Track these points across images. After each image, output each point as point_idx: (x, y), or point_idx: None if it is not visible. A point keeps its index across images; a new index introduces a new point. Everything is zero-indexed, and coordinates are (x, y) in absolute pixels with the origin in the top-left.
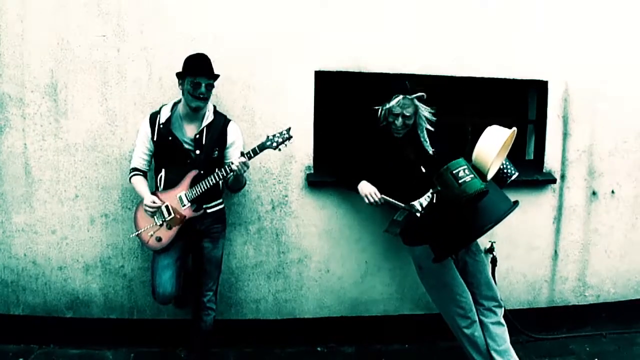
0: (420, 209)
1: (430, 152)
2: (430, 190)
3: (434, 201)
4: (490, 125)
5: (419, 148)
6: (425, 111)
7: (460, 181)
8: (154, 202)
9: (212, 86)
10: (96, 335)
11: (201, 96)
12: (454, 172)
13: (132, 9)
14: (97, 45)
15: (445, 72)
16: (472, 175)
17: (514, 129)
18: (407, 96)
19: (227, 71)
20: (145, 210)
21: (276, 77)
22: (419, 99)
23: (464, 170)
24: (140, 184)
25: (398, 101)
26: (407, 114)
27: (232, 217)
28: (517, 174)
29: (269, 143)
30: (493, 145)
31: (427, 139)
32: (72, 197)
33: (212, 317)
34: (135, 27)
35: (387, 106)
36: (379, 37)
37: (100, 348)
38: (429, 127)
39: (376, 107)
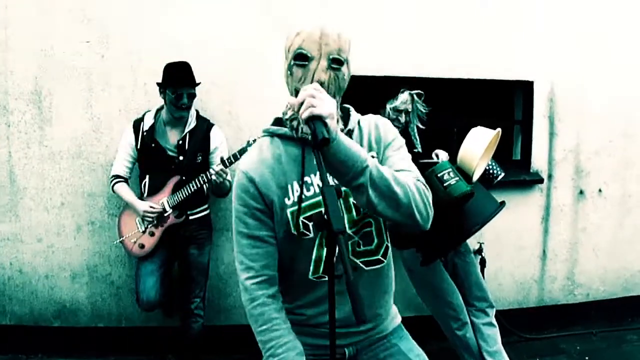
0: None
1: (418, 151)
2: None
3: None
4: (477, 126)
5: (409, 149)
6: (421, 107)
7: (445, 184)
8: (152, 207)
9: (194, 95)
10: (84, 344)
11: (184, 107)
12: (439, 175)
13: (117, 14)
14: (81, 52)
15: (433, 74)
16: (457, 178)
17: (499, 129)
18: (410, 92)
19: (213, 76)
20: (144, 217)
21: (262, 82)
22: (418, 95)
23: (448, 173)
24: (127, 192)
25: (404, 99)
26: (409, 110)
27: (219, 222)
28: (503, 174)
29: (249, 148)
30: (478, 146)
31: (417, 137)
32: (57, 205)
33: (200, 323)
34: (120, 34)
35: (394, 104)
36: (368, 40)
37: (89, 357)
38: (419, 125)
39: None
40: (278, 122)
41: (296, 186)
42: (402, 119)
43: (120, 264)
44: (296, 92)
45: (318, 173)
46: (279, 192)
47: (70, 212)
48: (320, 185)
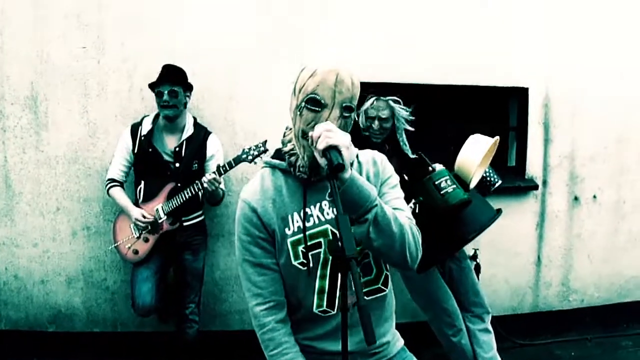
0: None
1: (411, 157)
2: (413, 200)
3: (417, 211)
4: (472, 133)
5: (402, 156)
6: (402, 112)
7: (442, 192)
8: (144, 217)
9: (177, 93)
10: (79, 349)
11: (165, 104)
12: (436, 182)
13: (113, 20)
14: (77, 57)
15: (428, 80)
16: (454, 186)
17: (497, 137)
18: (381, 97)
19: (208, 83)
20: (136, 225)
21: (257, 89)
22: (395, 101)
23: (446, 180)
24: (122, 197)
25: (372, 103)
26: (383, 117)
27: (215, 228)
28: (500, 181)
29: (244, 156)
30: (475, 154)
31: (407, 143)
32: (53, 210)
33: (195, 329)
34: (116, 39)
35: (362, 109)
36: (363, 45)
37: None
38: (407, 127)
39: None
40: (279, 152)
41: (296, 217)
42: (376, 125)
43: (115, 269)
44: (302, 133)
45: (318, 204)
46: (279, 222)
47: (66, 217)
48: (319, 215)
